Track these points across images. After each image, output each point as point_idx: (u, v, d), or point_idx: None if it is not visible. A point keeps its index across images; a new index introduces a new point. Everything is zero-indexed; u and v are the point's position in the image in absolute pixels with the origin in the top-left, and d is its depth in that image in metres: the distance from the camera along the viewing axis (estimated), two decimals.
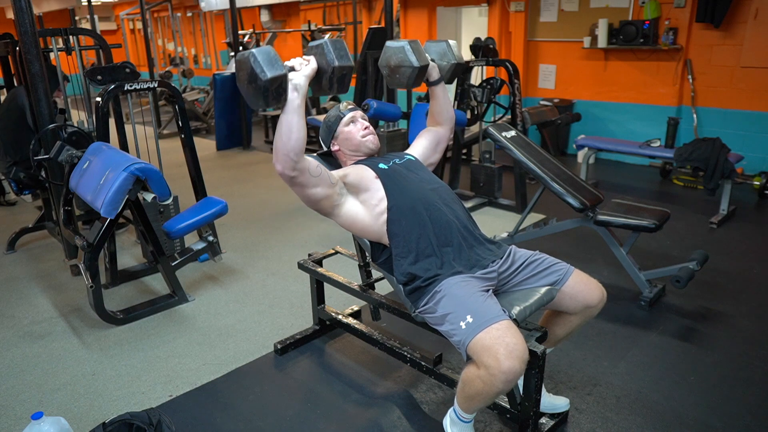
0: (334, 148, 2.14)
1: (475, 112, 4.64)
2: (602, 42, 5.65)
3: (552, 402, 2.06)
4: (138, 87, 3.15)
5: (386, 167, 1.99)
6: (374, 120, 4.44)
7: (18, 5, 2.89)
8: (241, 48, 7.18)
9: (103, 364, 2.51)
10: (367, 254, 2.40)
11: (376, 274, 2.59)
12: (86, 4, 8.58)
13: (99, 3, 12.68)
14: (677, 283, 2.76)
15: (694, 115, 5.38)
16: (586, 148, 4.93)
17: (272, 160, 1.76)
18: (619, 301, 2.96)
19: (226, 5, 7.39)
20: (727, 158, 4.03)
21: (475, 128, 5.42)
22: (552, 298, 1.84)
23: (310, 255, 2.68)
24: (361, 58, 5.30)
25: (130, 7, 11.85)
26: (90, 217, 3.73)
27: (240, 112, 6.99)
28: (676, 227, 3.94)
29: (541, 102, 6.25)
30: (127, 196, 2.66)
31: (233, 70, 6.99)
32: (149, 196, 2.76)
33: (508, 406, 1.98)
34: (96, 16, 9.14)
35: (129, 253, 3.83)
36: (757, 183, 4.69)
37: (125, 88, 3.11)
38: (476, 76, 5.58)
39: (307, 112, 6.65)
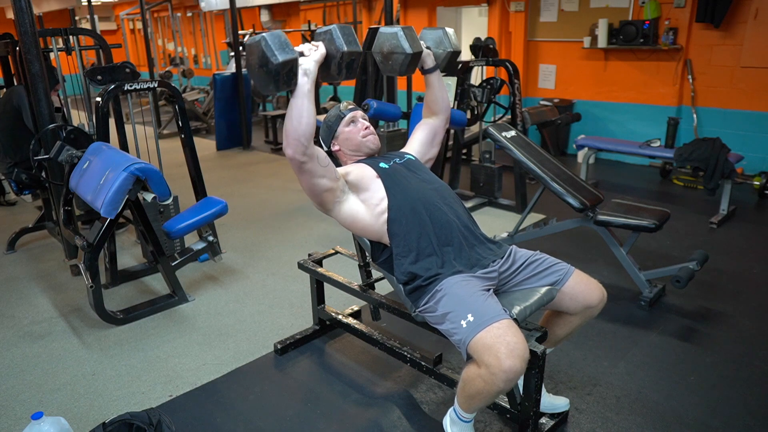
0: (335, 148, 2.14)
1: (475, 112, 4.64)
2: (602, 42, 5.65)
3: (552, 402, 2.06)
4: (138, 87, 3.15)
5: (387, 167, 1.99)
6: (374, 120, 4.43)
7: (18, 5, 2.89)
8: (241, 48, 7.18)
9: (103, 364, 2.51)
10: (367, 254, 2.40)
11: (376, 274, 2.58)
12: (86, 4, 8.58)
13: (99, 3, 12.68)
14: (677, 283, 2.76)
15: (694, 115, 5.38)
16: (586, 148, 4.93)
17: (282, 145, 1.79)
18: (619, 301, 2.96)
19: (226, 5, 7.39)
20: (727, 158, 4.03)
21: (475, 128, 5.42)
22: (552, 298, 1.84)
23: (310, 255, 2.68)
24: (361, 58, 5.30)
25: (130, 7, 11.85)
26: (90, 217, 3.73)
27: (240, 112, 6.98)
28: (676, 227, 3.94)
29: (541, 102, 6.25)
30: (127, 196, 2.66)
31: (233, 70, 6.99)
32: (149, 196, 2.76)
33: (508, 406, 1.98)
34: (96, 16, 9.13)
35: (129, 253, 3.83)
36: (757, 183, 4.68)
37: (125, 88, 3.11)
38: (476, 76, 5.58)
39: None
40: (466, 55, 5.75)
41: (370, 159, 2.08)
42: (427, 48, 2.07)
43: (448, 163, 4.89)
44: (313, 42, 1.77)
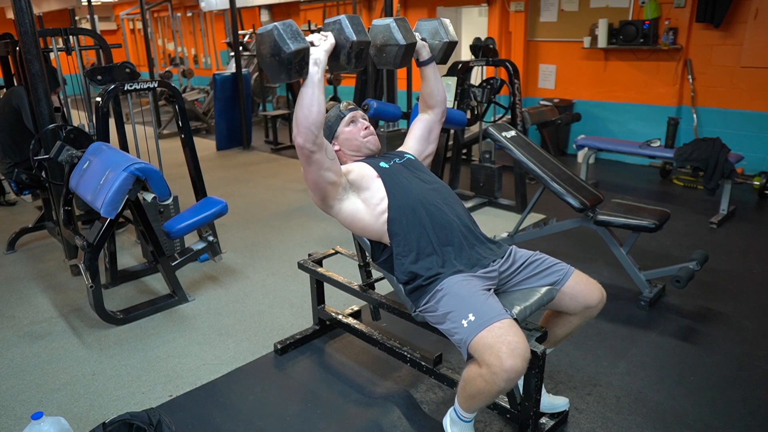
0: (335, 148, 2.13)
1: (475, 112, 4.64)
2: (602, 42, 5.65)
3: (552, 402, 2.06)
4: (138, 87, 3.15)
5: (387, 166, 1.99)
6: (374, 120, 4.43)
7: (18, 5, 2.89)
8: (241, 48, 7.18)
9: (103, 364, 2.51)
10: (367, 254, 2.40)
11: (376, 274, 2.58)
12: (86, 4, 8.57)
13: (99, 3, 12.67)
14: (677, 283, 2.76)
15: (694, 115, 5.38)
16: (586, 148, 4.93)
17: (292, 134, 1.80)
18: (619, 301, 2.96)
19: (226, 5, 7.39)
20: (727, 158, 4.03)
21: (475, 128, 5.42)
22: (552, 298, 1.84)
23: (310, 255, 2.68)
24: None
25: (130, 7, 11.85)
26: (90, 217, 3.73)
27: (240, 112, 6.98)
28: (676, 227, 3.94)
29: (541, 102, 6.25)
30: (127, 196, 2.66)
31: (233, 70, 6.99)
32: (149, 196, 2.76)
33: (508, 406, 1.98)
34: (96, 16, 9.12)
35: (129, 253, 3.83)
36: (757, 183, 4.69)
37: (125, 88, 3.11)
38: (476, 76, 5.59)
39: None
40: (466, 55, 5.75)
41: (371, 159, 2.08)
42: (423, 40, 2.06)
43: (448, 163, 4.89)
44: (322, 32, 1.77)
